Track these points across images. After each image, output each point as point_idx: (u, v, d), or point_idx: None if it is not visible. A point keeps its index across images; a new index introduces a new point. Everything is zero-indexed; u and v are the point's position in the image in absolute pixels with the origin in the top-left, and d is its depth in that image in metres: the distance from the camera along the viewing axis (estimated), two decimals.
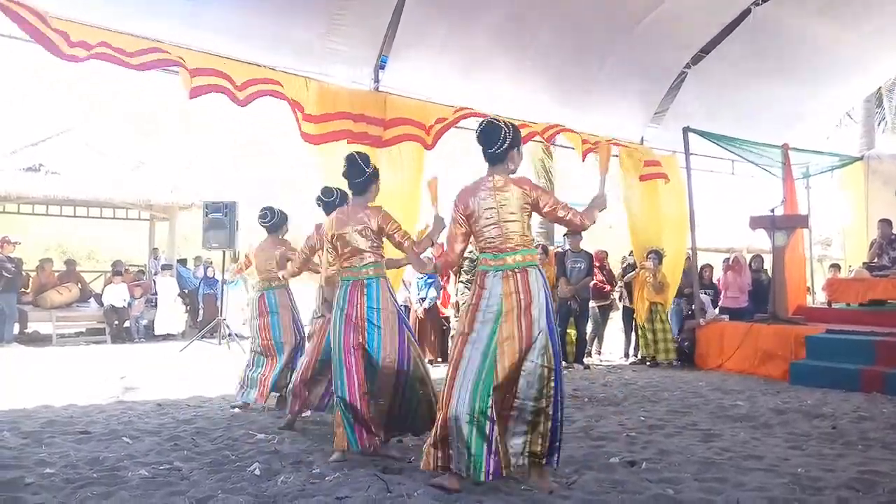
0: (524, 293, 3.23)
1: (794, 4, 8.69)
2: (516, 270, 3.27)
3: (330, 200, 4.74)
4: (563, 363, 8.01)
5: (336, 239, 3.93)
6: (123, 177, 12.80)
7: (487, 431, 3.09)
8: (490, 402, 3.12)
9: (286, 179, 22.74)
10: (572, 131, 8.53)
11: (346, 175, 3.99)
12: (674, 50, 8.93)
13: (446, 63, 7.56)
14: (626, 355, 9.42)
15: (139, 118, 26.80)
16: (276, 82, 6.49)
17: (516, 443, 3.19)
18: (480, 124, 3.44)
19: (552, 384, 3.20)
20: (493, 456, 3.07)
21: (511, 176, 3.39)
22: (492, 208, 3.30)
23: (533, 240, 3.44)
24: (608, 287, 9.63)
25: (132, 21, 5.87)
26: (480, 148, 3.42)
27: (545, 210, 3.34)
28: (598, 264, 9.35)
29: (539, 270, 3.34)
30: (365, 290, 3.85)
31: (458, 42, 7.44)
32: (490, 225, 3.31)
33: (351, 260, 3.90)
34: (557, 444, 3.25)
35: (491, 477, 3.06)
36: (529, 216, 3.37)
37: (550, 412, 3.19)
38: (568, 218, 3.38)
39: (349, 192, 4.10)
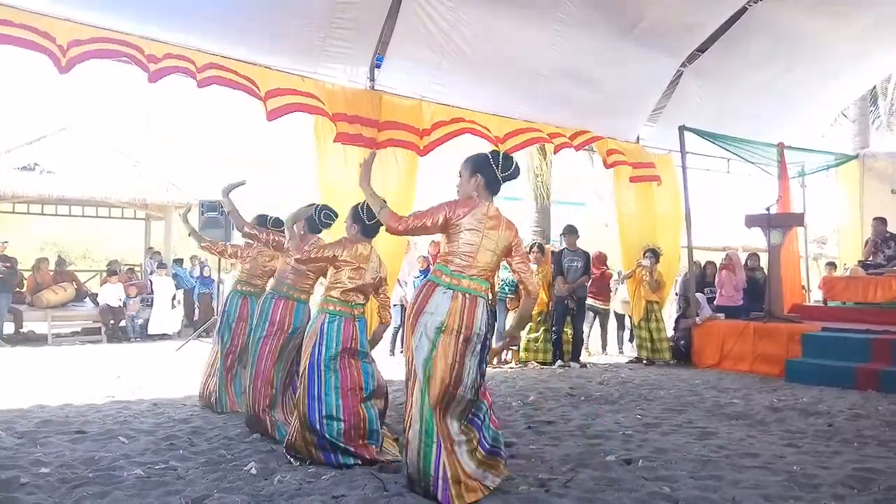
0: (468, 319, 3.20)
1: (790, 2, 8.69)
2: (467, 295, 3.23)
3: (331, 223, 4.68)
4: (560, 362, 8.17)
5: (354, 270, 3.91)
6: (119, 176, 12.78)
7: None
8: (434, 419, 3.11)
9: (282, 175, 22.73)
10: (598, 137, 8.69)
11: (357, 220, 3.99)
12: (670, 48, 8.93)
13: (442, 63, 7.55)
14: (620, 344, 9.46)
15: (135, 117, 26.75)
16: (312, 95, 6.61)
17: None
18: (510, 157, 3.42)
19: (476, 410, 3.25)
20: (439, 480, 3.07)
21: (503, 213, 3.39)
22: (476, 231, 3.27)
23: (493, 276, 3.42)
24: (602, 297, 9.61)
25: (125, 22, 5.88)
26: (500, 175, 3.35)
27: (514, 258, 3.41)
28: (597, 271, 9.40)
29: (486, 303, 3.31)
30: (357, 328, 3.89)
31: (455, 42, 7.42)
32: (466, 243, 3.27)
33: (349, 295, 3.88)
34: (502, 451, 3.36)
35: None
36: (501, 258, 3.39)
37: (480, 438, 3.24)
38: (529, 279, 3.43)
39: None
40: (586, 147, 8.90)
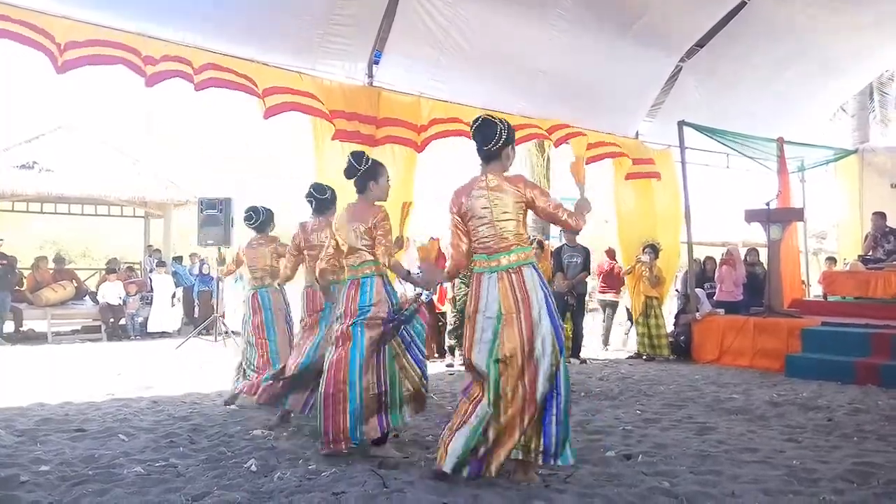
0: (520, 292, 3.24)
1: None
2: (511, 271, 3.27)
3: (323, 198, 4.78)
4: None
5: (339, 235, 3.93)
6: (118, 174, 12.77)
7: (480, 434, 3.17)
8: (490, 408, 3.18)
9: (282, 175, 22.73)
10: (581, 133, 8.57)
11: (344, 173, 3.97)
12: (669, 44, 8.91)
13: (440, 59, 7.54)
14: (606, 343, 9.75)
15: (135, 116, 26.72)
16: (309, 95, 6.60)
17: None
18: (476, 121, 3.42)
19: (555, 380, 3.21)
20: (476, 459, 3.16)
21: (506, 174, 3.38)
22: (486, 207, 3.30)
23: (529, 238, 3.43)
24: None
25: (123, 20, 5.86)
26: (475, 144, 3.41)
27: (540, 208, 3.32)
28: (607, 265, 9.68)
29: (534, 267, 3.33)
30: (359, 288, 3.83)
31: (453, 38, 7.41)
32: (484, 224, 3.31)
33: (350, 258, 3.90)
34: (556, 439, 3.19)
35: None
36: (525, 214, 3.36)
37: (545, 408, 3.20)
38: (563, 218, 3.34)
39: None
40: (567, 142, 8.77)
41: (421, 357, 3.91)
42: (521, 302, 3.23)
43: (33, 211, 13.56)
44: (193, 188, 14.22)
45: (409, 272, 3.95)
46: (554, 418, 3.20)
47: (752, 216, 8.61)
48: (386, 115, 7.16)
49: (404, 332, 3.84)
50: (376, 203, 3.93)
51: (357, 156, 3.97)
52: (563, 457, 3.22)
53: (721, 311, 8.93)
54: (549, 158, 12.02)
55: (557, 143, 8.60)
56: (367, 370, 3.72)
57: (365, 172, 3.90)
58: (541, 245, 8.90)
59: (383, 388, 3.76)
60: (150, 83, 5.86)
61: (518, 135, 8.03)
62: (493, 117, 3.42)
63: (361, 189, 3.95)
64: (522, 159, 11.94)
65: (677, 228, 9.49)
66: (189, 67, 6.03)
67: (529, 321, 3.21)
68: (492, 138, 3.35)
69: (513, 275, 3.26)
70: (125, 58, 5.73)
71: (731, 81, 9.77)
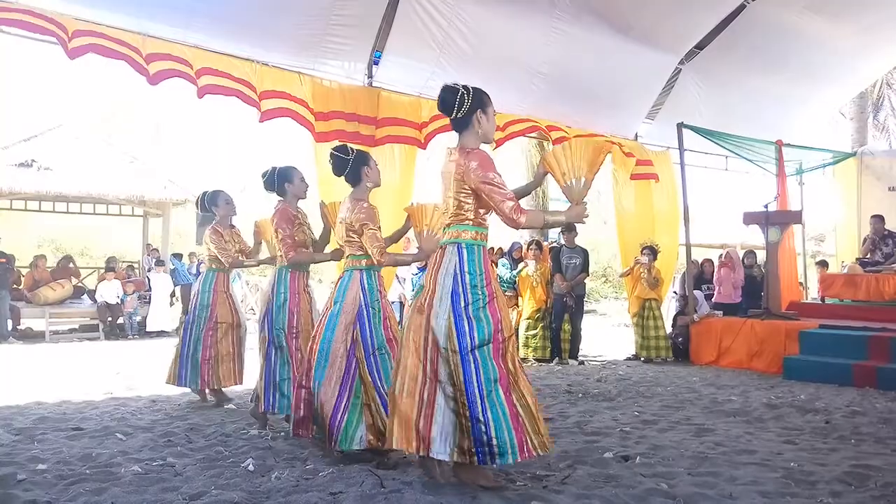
0: (434, 272, 3.12)
1: (788, 0, 8.69)
2: (441, 247, 3.17)
3: (264, 180, 4.58)
4: (558, 359, 8.17)
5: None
6: (117, 173, 12.77)
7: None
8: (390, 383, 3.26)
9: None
10: (567, 138, 8.58)
11: (334, 173, 3.90)
12: (669, 46, 8.92)
13: (440, 59, 7.54)
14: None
15: (134, 114, 26.70)
16: (303, 103, 6.62)
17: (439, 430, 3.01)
18: (439, 93, 3.20)
19: (460, 371, 2.95)
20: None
21: (468, 147, 3.14)
22: (445, 178, 3.20)
23: (468, 219, 3.12)
24: None
25: (125, 18, 5.86)
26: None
27: (471, 179, 3.02)
28: None
29: (458, 249, 3.08)
30: (339, 282, 3.85)
31: (452, 39, 7.41)
32: (444, 196, 3.21)
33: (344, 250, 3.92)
34: (483, 441, 2.90)
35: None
36: (468, 190, 3.07)
37: (466, 404, 2.93)
38: (499, 203, 3.00)
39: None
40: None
41: None
42: (432, 282, 3.11)
43: (32, 209, 13.55)
44: (192, 187, 14.21)
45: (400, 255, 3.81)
46: (478, 421, 2.91)
47: (750, 218, 8.62)
48: (385, 115, 7.15)
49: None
50: (366, 198, 3.86)
51: (342, 148, 3.90)
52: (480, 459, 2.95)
53: (719, 312, 8.94)
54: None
55: (556, 143, 8.61)
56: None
57: (356, 160, 3.82)
58: (539, 245, 8.90)
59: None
60: (153, 81, 5.86)
61: (518, 127, 8.06)
62: (455, 84, 3.13)
63: (355, 181, 3.84)
64: (523, 155, 11.93)
65: (676, 230, 9.50)
66: (190, 69, 6.03)
67: (430, 302, 3.07)
68: (453, 106, 3.08)
69: (439, 252, 3.16)
70: (128, 55, 5.73)
71: (730, 84, 9.78)
